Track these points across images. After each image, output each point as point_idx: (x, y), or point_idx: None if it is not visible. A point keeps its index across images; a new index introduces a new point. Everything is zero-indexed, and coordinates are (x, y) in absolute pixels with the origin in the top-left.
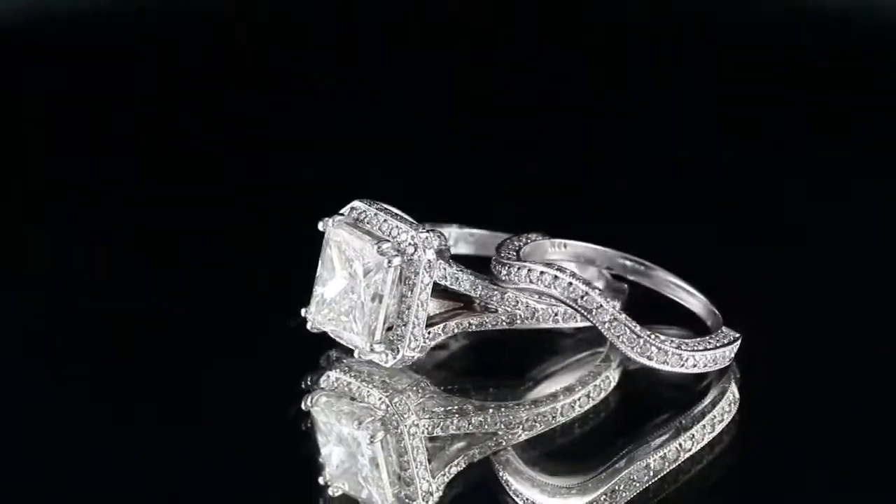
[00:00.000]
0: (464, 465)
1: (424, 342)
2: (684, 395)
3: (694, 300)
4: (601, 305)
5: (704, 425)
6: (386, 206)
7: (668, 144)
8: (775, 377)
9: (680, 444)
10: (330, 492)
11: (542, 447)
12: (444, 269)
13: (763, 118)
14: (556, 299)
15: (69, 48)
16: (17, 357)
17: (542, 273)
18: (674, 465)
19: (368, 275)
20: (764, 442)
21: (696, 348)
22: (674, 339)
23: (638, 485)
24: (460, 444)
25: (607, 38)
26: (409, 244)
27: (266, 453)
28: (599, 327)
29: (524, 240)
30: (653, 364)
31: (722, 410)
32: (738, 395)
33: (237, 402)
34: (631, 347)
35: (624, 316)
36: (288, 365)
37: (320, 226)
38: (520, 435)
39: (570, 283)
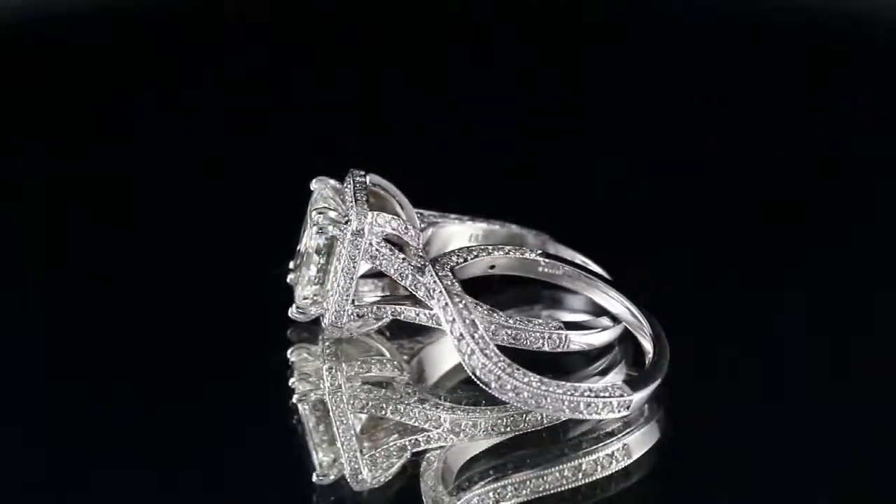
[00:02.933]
0: (398, 455)
1: (349, 317)
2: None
3: (641, 332)
4: (454, 320)
5: (583, 465)
6: (370, 180)
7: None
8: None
9: (560, 474)
10: None
11: (464, 455)
12: (378, 251)
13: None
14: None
15: (68, 48)
16: None
17: (427, 270)
18: (536, 496)
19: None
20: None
21: (550, 390)
22: (530, 373)
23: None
24: (396, 432)
25: (607, 38)
26: (350, 219)
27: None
28: (451, 339)
29: (480, 253)
30: (489, 389)
31: (597, 463)
32: (632, 453)
33: (230, 352)
34: (467, 358)
35: (479, 333)
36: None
37: (311, 184)
38: (447, 437)
39: (434, 290)
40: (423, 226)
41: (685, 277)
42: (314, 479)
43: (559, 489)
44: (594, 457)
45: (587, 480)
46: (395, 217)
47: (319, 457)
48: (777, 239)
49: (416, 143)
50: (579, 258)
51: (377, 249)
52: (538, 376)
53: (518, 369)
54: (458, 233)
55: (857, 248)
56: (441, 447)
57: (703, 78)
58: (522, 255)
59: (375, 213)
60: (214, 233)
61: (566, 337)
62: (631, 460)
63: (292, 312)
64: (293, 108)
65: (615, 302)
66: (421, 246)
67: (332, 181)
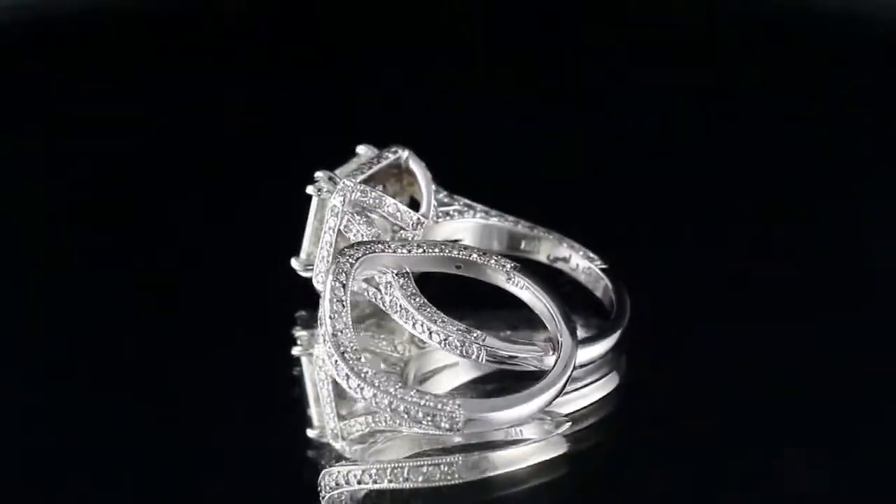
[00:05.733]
0: (370, 429)
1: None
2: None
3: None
4: (324, 298)
5: (405, 470)
6: (405, 157)
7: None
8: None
9: (401, 471)
10: None
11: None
12: (350, 224)
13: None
14: None
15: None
16: None
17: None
18: (409, 485)
19: None
20: None
21: (378, 384)
22: (369, 365)
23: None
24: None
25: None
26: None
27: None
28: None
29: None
30: (332, 370)
31: (420, 472)
32: (462, 474)
33: (233, 350)
34: (322, 339)
35: (342, 316)
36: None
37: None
38: (391, 423)
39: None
40: (454, 214)
41: (683, 276)
42: (309, 433)
43: (402, 486)
44: (420, 463)
45: (412, 486)
46: (382, 195)
47: (315, 412)
48: (776, 238)
49: (420, 142)
50: (595, 270)
51: (349, 221)
52: (374, 369)
53: (359, 359)
54: (471, 228)
55: (855, 247)
56: (394, 431)
57: (701, 78)
58: (484, 261)
59: (357, 185)
60: (214, 232)
61: (481, 350)
62: (460, 480)
63: (293, 261)
64: (294, 107)
65: (562, 329)
66: (415, 231)
67: (362, 146)
